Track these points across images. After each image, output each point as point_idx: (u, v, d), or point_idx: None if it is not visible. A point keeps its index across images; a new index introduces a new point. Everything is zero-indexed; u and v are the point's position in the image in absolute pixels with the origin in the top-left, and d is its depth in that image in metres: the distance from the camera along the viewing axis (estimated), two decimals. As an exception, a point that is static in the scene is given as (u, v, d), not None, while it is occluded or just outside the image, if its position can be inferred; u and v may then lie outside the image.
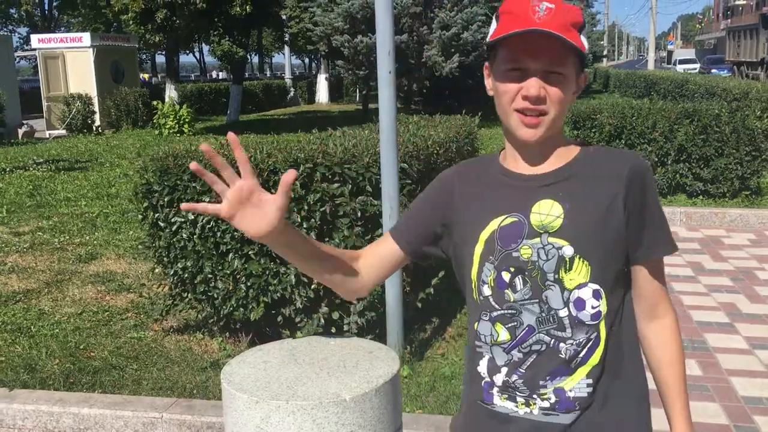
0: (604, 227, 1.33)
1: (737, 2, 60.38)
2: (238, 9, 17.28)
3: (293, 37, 26.81)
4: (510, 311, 1.36)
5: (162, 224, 4.12)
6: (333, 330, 3.98)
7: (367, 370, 1.47)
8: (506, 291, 1.36)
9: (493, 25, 1.38)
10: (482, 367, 1.39)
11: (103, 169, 11.41)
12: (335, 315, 3.95)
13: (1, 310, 4.87)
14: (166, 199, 4.05)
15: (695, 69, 43.23)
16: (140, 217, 4.24)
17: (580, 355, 1.33)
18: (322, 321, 3.95)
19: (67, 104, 18.79)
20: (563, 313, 1.33)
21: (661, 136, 7.64)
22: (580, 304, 1.33)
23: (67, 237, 6.80)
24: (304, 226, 3.86)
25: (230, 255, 3.98)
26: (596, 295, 1.33)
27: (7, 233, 7.00)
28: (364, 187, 3.89)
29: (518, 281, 1.35)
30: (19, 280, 5.52)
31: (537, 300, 1.34)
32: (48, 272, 5.71)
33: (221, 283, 4.01)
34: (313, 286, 3.88)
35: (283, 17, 24.23)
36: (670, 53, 78.66)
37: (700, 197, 7.72)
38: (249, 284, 3.93)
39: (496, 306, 1.37)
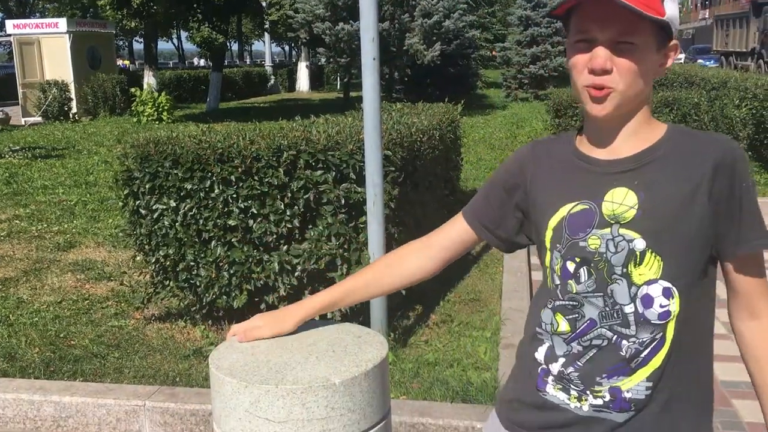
0: (683, 220, 1.24)
1: (716, -8, 60.85)
2: (217, -5, 17.10)
3: (273, 24, 26.61)
4: (571, 303, 1.31)
5: (143, 211, 4.08)
6: (317, 318, 3.97)
7: (356, 354, 1.47)
8: (569, 281, 1.31)
9: None
10: (540, 353, 1.35)
11: (81, 156, 11.27)
12: (319, 302, 3.95)
13: (-21, 298, 4.81)
14: (147, 186, 4.01)
15: (680, 59, 42.83)
16: (120, 204, 4.19)
17: (642, 355, 1.26)
18: (306, 308, 3.94)
19: (43, 91, 18.53)
20: (629, 309, 1.26)
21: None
22: (648, 301, 1.25)
23: (45, 225, 6.72)
24: (288, 213, 3.84)
25: (213, 242, 3.95)
26: (666, 293, 1.25)
27: (-16, 221, 6.90)
28: (347, 175, 3.87)
29: (583, 272, 1.29)
30: (-3, 269, 5.45)
31: (601, 293, 1.28)
32: (26, 260, 5.64)
33: (204, 270, 3.99)
34: (296, 274, 3.87)
35: (263, 4, 24.03)
36: (648, 43, 79.11)
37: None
38: (232, 272, 3.91)
39: (559, 295, 1.32)
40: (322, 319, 1.66)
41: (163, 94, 17.40)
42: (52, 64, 19.32)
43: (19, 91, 19.18)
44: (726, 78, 11.52)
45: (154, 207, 4.03)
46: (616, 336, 1.26)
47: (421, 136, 4.68)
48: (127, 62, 45.07)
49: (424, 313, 4.39)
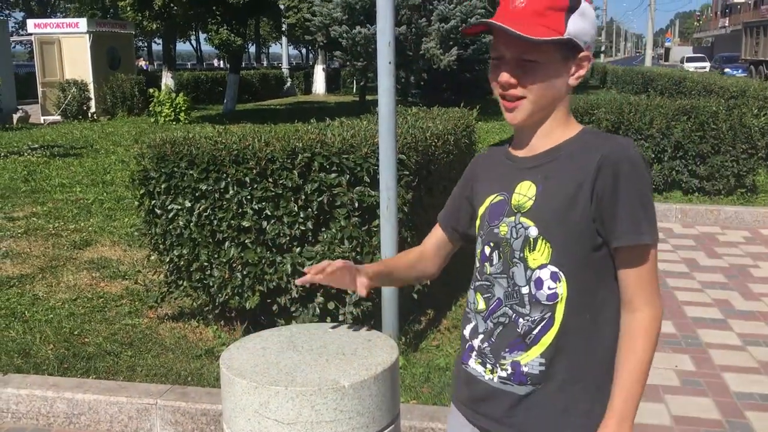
0: (568, 212, 1.36)
1: (736, 1, 60.39)
2: (236, -3, 17.19)
3: (291, 27, 26.70)
4: (486, 282, 1.47)
5: (158, 211, 4.11)
6: (328, 320, 3.98)
7: (366, 357, 1.48)
8: (486, 264, 1.47)
9: None
10: (467, 330, 1.50)
11: (98, 155, 11.36)
12: (331, 305, 3.96)
13: (-5, 294, 4.86)
14: (162, 186, 4.04)
15: (705, 68, 39.88)
16: (136, 203, 4.22)
17: (534, 333, 1.39)
18: (318, 311, 3.95)
19: (62, 90, 18.70)
20: (525, 290, 1.40)
21: (658, 133, 7.65)
22: (539, 283, 1.39)
23: (62, 223, 6.78)
24: (301, 215, 3.85)
25: (227, 243, 3.97)
26: (554, 277, 1.37)
27: (1, 218, 6.97)
28: (361, 178, 3.88)
29: (495, 255, 1.45)
30: (14, 265, 5.50)
31: (506, 275, 1.43)
32: (42, 258, 5.69)
33: (217, 271, 4.01)
34: (309, 276, 3.87)
35: (281, 7, 24.14)
36: (667, 50, 78.63)
37: (696, 194, 7.74)
38: (245, 273, 3.93)
39: (478, 276, 1.49)
40: (333, 322, 1.66)
41: (180, 94, 17.52)
42: (71, 63, 19.51)
43: (39, 89, 19.38)
44: (745, 86, 11.43)
45: (169, 207, 4.05)
46: (514, 314, 1.41)
47: (436, 140, 4.68)
48: (144, 63, 45.39)
49: (436, 318, 4.38)
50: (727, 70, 35.43)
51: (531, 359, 1.38)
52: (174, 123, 16.74)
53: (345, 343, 1.54)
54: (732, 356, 4.00)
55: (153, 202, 4.12)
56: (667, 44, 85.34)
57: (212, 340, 4.09)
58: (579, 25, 1.36)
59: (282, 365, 1.43)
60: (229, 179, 3.91)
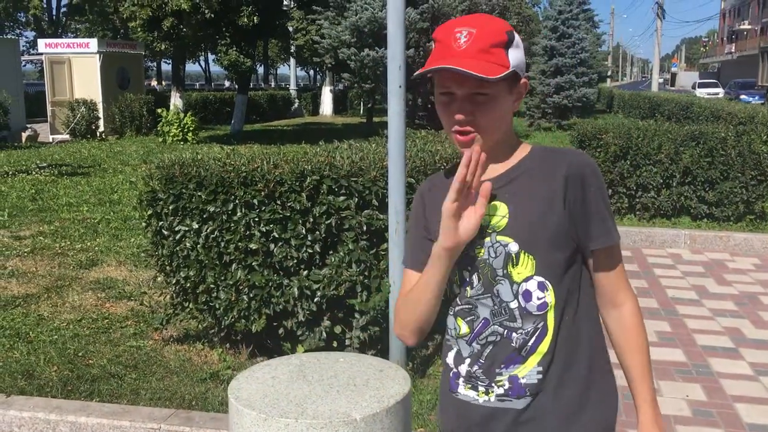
0: (545, 222, 1.42)
1: (742, 27, 60.63)
2: (245, 20, 17.35)
3: (299, 49, 26.89)
4: (467, 306, 1.48)
5: (166, 232, 4.09)
6: (335, 344, 3.94)
7: (378, 389, 1.44)
8: (466, 288, 1.49)
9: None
10: (450, 358, 1.51)
11: (106, 175, 11.39)
12: (337, 329, 3.92)
13: (0, 314, 4.83)
14: (170, 208, 4.02)
15: (718, 94, 38.09)
16: (144, 224, 4.20)
17: (529, 344, 1.43)
18: (324, 335, 3.91)
19: (71, 109, 18.82)
20: (513, 305, 1.44)
21: (666, 158, 7.62)
22: (527, 295, 1.43)
23: (68, 242, 6.78)
24: (309, 238, 3.83)
25: (233, 265, 3.95)
26: (541, 286, 1.43)
27: (8, 237, 6.97)
28: (370, 201, 3.86)
29: (474, 278, 1.47)
30: (19, 285, 5.48)
31: (489, 294, 1.46)
32: (48, 277, 5.67)
33: (223, 293, 3.98)
34: (315, 299, 3.85)
35: (290, 29, 24.32)
36: (674, 75, 78.82)
37: (705, 220, 7.69)
38: (251, 295, 3.90)
39: (458, 301, 1.51)
40: (344, 353, 1.62)
41: (188, 115, 17.60)
42: (81, 83, 19.66)
43: (48, 108, 19.51)
44: (753, 112, 11.41)
45: (176, 228, 4.04)
46: (506, 330, 1.44)
47: (445, 164, 4.66)
48: (153, 82, 45.67)
49: (443, 343, 4.33)
50: (743, 96, 33.64)
51: (528, 370, 1.43)
52: (182, 143, 16.81)
53: (356, 374, 1.51)
54: (744, 386, 3.94)
55: (160, 223, 4.11)
56: (673, 69, 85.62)
57: (217, 364, 4.05)
58: (518, 57, 1.42)
59: (292, 396, 1.40)
60: (237, 201, 3.89)
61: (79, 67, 19.66)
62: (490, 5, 15.82)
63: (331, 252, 3.90)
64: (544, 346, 1.42)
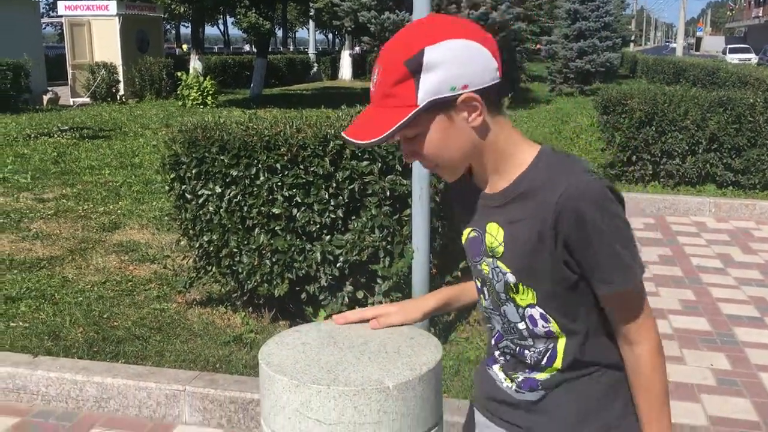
0: (537, 259, 1.29)
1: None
2: (264, -19, 17.14)
3: (318, 12, 26.60)
4: (485, 314, 1.47)
5: (189, 196, 4.09)
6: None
7: (410, 356, 1.43)
8: (480, 296, 1.46)
9: None
10: (492, 337, 1.49)
11: (127, 138, 11.42)
12: (360, 294, 3.92)
13: (26, 276, 4.89)
14: (193, 171, 4.01)
15: (750, 60, 35.31)
16: (167, 188, 4.20)
17: (543, 362, 1.37)
18: (347, 300, 3.92)
19: (92, 72, 18.84)
20: (521, 326, 1.38)
21: (692, 124, 7.49)
22: (533, 321, 1.36)
23: (91, 205, 6.82)
24: (332, 203, 3.81)
25: (256, 230, 3.95)
26: (543, 318, 1.34)
27: (32, 199, 7.03)
28: (393, 166, 3.83)
29: (485, 291, 1.43)
30: (44, 247, 5.54)
31: (498, 313, 1.41)
32: (72, 240, 5.72)
33: (246, 257, 3.99)
34: (338, 265, 3.84)
35: (309, -9, 24.04)
36: (698, 40, 77.18)
37: (730, 188, 7.58)
38: (274, 260, 3.90)
39: (481, 305, 1.48)
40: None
41: (208, 78, 17.54)
42: (101, 45, 19.63)
43: (69, 71, 19.54)
44: (782, 78, 11.16)
45: (199, 192, 4.03)
46: (518, 348, 1.40)
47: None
48: (184, 47, 45.36)
49: (465, 310, 4.33)
50: None
51: (547, 375, 1.38)
52: (201, 107, 16.78)
53: (387, 341, 1.49)
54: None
55: (183, 187, 4.11)
56: (698, 34, 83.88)
57: (240, 327, 4.08)
58: (433, 81, 1.22)
59: (323, 362, 1.39)
60: (260, 165, 3.87)
61: (98, 30, 19.62)
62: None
63: (353, 217, 3.89)
64: (559, 362, 1.36)
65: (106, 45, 19.58)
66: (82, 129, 12.43)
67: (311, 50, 35.81)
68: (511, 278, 1.33)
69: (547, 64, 22.65)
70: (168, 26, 55.91)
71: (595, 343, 1.36)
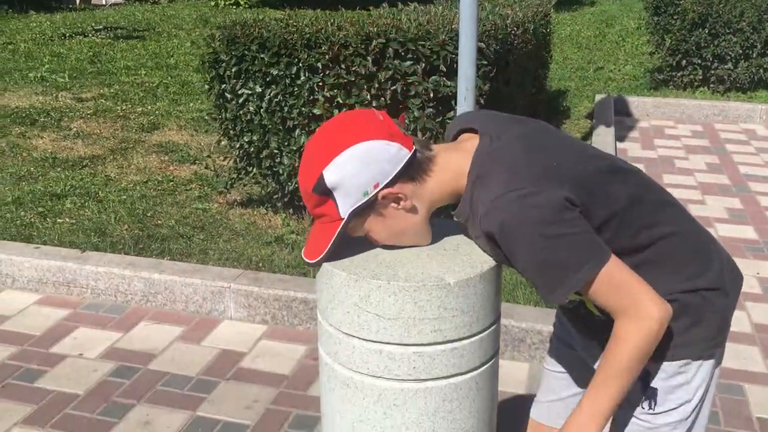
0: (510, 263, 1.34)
1: None
2: None
3: None
4: None
5: (228, 96, 4.04)
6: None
7: (469, 254, 1.40)
8: None
9: None
10: None
11: (161, 38, 11.27)
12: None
13: (69, 174, 4.95)
14: (233, 70, 3.94)
15: None
16: (206, 87, 4.15)
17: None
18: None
19: (123, -30, 18.42)
20: None
21: (748, 27, 7.12)
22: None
23: (129, 105, 6.81)
24: (374, 104, 3.73)
25: (297, 131, 3.90)
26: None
27: (71, 99, 7.04)
28: (437, 66, 3.71)
29: None
30: (85, 146, 5.58)
31: None
32: (112, 139, 5.75)
33: (287, 159, 3.96)
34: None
35: None
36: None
37: (784, 94, 7.28)
38: (315, 161, 3.87)
39: None
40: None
41: (240, -23, 17.07)
42: (131, -58, 19.11)
43: (100, -31, 19.15)
44: None
45: (239, 92, 3.98)
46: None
47: (515, 29, 4.43)
48: None
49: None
50: None
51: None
52: (234, 7, 16.43)
53: (445, 238, 1.47)
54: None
55: (223, 86, 4.05)
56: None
57: (281, 228, 4.11)
58: (345, 195, 1.31)
59: (380, 259, 1.37)
60: (300, 64, 3.78)
61: (128, -74, 19.05)
62: None
63: (395, 120, 3.81)
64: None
65: (136, -59, 19.05)
66: (116, 29, 12.29)
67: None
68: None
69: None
70: None
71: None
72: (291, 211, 4.24)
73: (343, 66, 3.74)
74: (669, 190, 3.37)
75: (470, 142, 1.37)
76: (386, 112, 1.41)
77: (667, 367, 1.38)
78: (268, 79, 3.88)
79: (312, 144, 1.35)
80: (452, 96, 3.69)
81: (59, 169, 5.04)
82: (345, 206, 1.31)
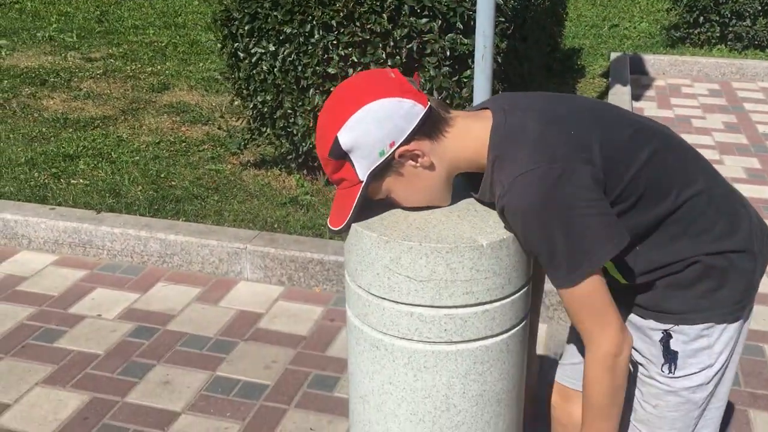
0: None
1: None
2: None
3: None
4: None
5: (241, 55, 3.98)
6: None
7: (500, 215, 1.37)
8: None
9: None
10: None
11: (168, -3, 11.12)
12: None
13: (81, 134, 4.92)
14: (246, 28, 3.88)
15: None
16: (219, 46, 4.09)
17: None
18: (403, 163, 3.86)
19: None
20: None
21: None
22: None
23: (138, 65, 6.74)
24: (389, 63, 3.67)
25: (311, 90, 3.85)
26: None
27: (79, 59, 6.97)
28: (454, 24, 3.63)
29: None
30: (95, 107, 5.54)
31: None
32: (122, 100, 5.70)
33: (301, 119, 3.92)
34: (395, 127, 3.75)
35: None
36: None
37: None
38: (330, 121, 3.82)
39: None
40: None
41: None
42: None
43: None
44: None
45: (252, 50, 3.91)
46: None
47: (533, -15, 4.33)
48: None
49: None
50: None
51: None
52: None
53: (475, 201, 1.44)
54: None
55: (236, 44, 3.99)
56: None
57: (295, 189, 4.08)
58: (361, 157, 1.29)
59: (411, 220, 1.35)
60: (314, 22, 3.71)
61: None
62: None
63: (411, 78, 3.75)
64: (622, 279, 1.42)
65: None
66: (122, -13, 12.11)
67: None
68: None
69: None
70: None
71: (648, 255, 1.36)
72: (305, 171, 4.21)
73: (357, 24, 3.67)
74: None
75: (488, 113, 1.35)
76: (400, 72, 1.37)
77: (688, 330, 1.36)
78: (281, 38, 3.81)
79: (325, 110, 1.35)
80: (469, 54, 3.62)
81: (71, 130, 5.01)
82: (363, 168, 1.30)
